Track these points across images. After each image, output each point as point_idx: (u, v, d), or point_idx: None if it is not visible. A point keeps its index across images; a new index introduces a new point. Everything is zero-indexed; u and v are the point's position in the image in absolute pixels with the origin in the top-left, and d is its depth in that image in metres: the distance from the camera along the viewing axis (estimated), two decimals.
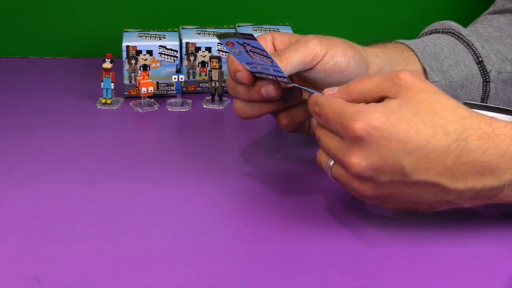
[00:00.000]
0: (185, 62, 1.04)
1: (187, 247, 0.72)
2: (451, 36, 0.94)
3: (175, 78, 1.00)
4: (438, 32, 0.95)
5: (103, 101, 1.01)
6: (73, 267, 0.68)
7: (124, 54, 1.01)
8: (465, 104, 0.81)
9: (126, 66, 1.02)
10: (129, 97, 1.03)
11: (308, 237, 0.73)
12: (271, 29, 1.06)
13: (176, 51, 1.02)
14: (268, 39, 0.84)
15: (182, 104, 1.02)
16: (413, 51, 0.90)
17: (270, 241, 0.73)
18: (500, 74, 0.91)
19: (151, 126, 0.98)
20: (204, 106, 1.02)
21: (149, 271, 0.68)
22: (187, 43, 1.03)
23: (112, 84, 1.00)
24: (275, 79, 0.79)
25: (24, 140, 0.91)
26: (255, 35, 0.72)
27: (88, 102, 1.02)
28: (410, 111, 0.67)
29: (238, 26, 1.08)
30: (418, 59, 0.90)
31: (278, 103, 0.82)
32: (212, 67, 1.00)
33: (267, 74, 0.78)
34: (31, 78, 1.09)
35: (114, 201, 0.79)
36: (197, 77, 1.05)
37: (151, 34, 1.04)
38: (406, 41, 0.92)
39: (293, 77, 0.82)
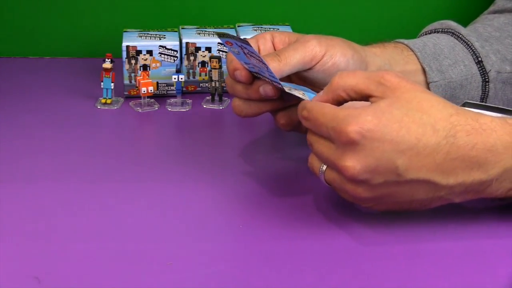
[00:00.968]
0: (185, 62, 1.04)
1: (187, 247, 0.72)
2: (451, 35, 0.94)
3: (175, 78, 1.00)
4: (438, 32, 0.96)
5: (103, 101, 1.01)
6: (73, 267, 0.68)
7: (124, 54, 1.01)
8: (465, 103, 0.81)
9: (126, 66, 1.02)
10: (129, 97, 1.03)
11: (308, 237, 0.73)
12: (271, 29, 1.06)
13: (176, 51, 1.02)
14: (268, 37, 0.84)
15: (182, 104, 1.02)
16: (412, 50, 0.91)
17: (270, 241, 0.73)
18: (500, 74, 0.91)
19: (151, 126, 0.98)
20: (204, 106, 1.02)
21: (149, 271, 0.68)
22: (187, 43, 1.03)
23: (112, 84, 1.00)
24: (271, 82, 0.79)
25: (24, 139, 0.91)
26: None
27: (88, 102, 1.02)
28: (400, 111, 0.68)
29: (238, 26, 1.08)
30: (418, 58, 0.90)
31: (276, 103, 0.82)
32: (212, 67, 1.00)
33: (264, 76, 0.78)
34: (31, 78, 1.09)
35: (114, 201, 0.79)
36: (197, 77, 1.05)
37: (151, 34, 1.04)
38: (405, 41, 0.92)
39: (292, 77, 0.82)
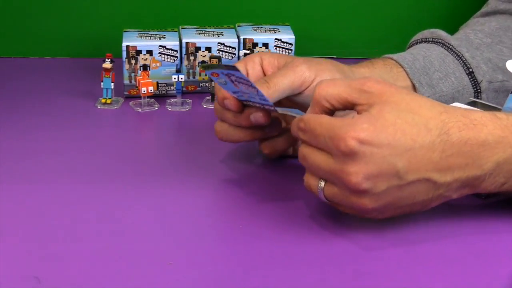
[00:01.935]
0: (185, 62, 1.04)
1: (187, 247, 0.72)
2: (441, 46, 0.93)
3: (175, 78, 1.00)
4: (428, 42, 0.95)
5: (103, 101, 1.01)
6: (73, 267, 0.68)
7: (124, 54, 1.01)
8: (471, 102, 0.82)
9: (126, 66, 1.02)
10: (129, 97, 1.03)
11: (308, 237, 0.73)
12: (271, 29, 1.06)
13: (176, 51, 1.02)
14: (256, 60, 0.83)
15: (182, 104, 1.02)
16: (402, 66, 0.90)
17: (270, 241, 0.73)
18: (491, 83, 0.91)
19: (151, 126, 0.98)
20: (204, 106, 1.02)
21: (149, 271, 0.68)
22: (187, 43, 1.03)
23: (112, 84, 1.00)
24: (261, 107, 0.78)
25: (24, 140, 0.91)
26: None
27: (88, 102, 1.02)
28: (391, 114, 0.68)
29: (238, 26, 1.08)
30: (407, 75, 0.90)
31: (258, 133, 0.82)
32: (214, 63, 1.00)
33: (254, 102, 0.78)
34: (31, 78, 1.09)
35: (114, 201, 0.79)
36: (197, 77, 1.05)
37: (151, 34, 1.04)
38: (394, 56, 0.92)
39: (282, 100, 0.81)
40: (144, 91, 0.99)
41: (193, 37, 1.04)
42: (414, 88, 0.90)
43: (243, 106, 0.80)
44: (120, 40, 1.02)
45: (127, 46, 1.01)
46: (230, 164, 0.87)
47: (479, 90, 0.91)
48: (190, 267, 0.69)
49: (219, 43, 1.03)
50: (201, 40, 1.03)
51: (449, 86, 0.90)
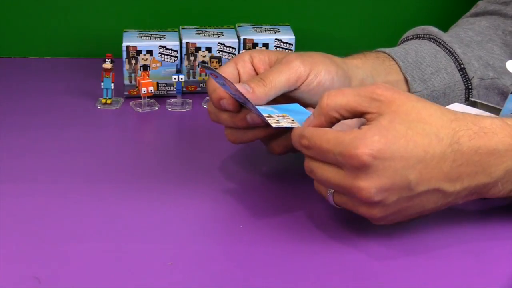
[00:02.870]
0: (185, 62, 1.04)
1: (187, 247, 0.72)
2: (433, 42, 0.93)
3: (175, 78, 1.00)
4: (419, 38, 0.95)
5: (103, 101, 1.01)
6: (73, 267, 0.68)
7: (124, 54, 1.01)
8: (470, 102, 0.82)
9: (126, 66, 1.02)
10: (129, 97, 1.03)
11: (308, 237, 0.73)
12: (271, 29, 1.06)
13: (176, 51, 1.02)
14: (247, 59, 0.82)
15: (182, 104, 1.02)
16: (394, 60, 0.90)
17: (270, 241, 0.73)
18: (483, 80, 0.91)
19: (151, 126, 0.98)
20: (204, 106, 1.02)
21: (149, 271, 0.68)
22: (187, 43, 1.03)
23: (112, 84, 1.00)
24: (256, 114, 0.76)
25: (24, 140, 0.91)
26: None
27: (88, 102, 1.02)
28: (402, 125, 0.67)
29: (238, 26, 1.08)
30: (400, 68, 0.89)
31: (264, 131, 0.80)
32: (212, 67, 1.00)
33: (250, 108, 0.76)
34: (31, 78, 1.09)
35: (114, 201, 0.79)
36: (197, 77, 1.05)
37: (151, 34, 1.04)
38: (387, 50, 0.91)
39: (277, 97, 0.80)
40: (144, 91, 0.99)
41: (193, 37, 1.04)
42: (406, 82, 0.89)
43: (240, 106, 0.79)
44: (120, 40, 1.02)
45: (127, 46, 1.01)
46: (230, 164, 0.87)
47: (470, 87, 0.91)
48: (191, 267, 0.69)
49: (219, 43, 1.03)
50: (201, 40, 1.03)
51: (441, 81, 0.90)
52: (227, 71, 0.80)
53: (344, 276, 0.68)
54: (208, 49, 1.03)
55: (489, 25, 0.97)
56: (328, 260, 0.70)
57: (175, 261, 0.69)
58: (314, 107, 0.73)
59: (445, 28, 0.98)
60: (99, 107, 1.00)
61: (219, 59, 1.00)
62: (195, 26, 1.07)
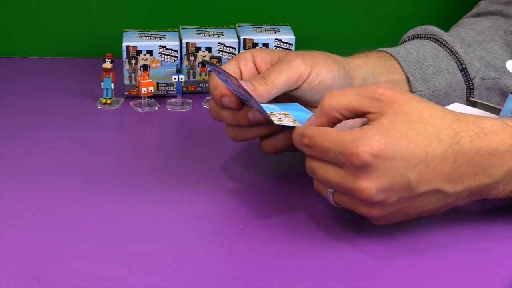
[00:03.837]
0: (185, 62, 1.04)
1: (187, 247, 0.72)
2: (434, 42, 0.93)
3: (175, 78, 1.00)
4: (421, 38, 0.95)
5: (103, 101, 1.01)
6: (73, 267, 0.68)
7: (124, 54, 1.01)
8: (471, 102, 0.82)
9: (126, 66, 1.02)
10: (129, 97, 1.03)
11: (308, 237, 0.73)
12: (271, 29, 1.06)
13: (176, 51, 1.02)
14: (248, 57, 0.82)
15: (182, 104, 1.02)
16: (396, 59, 0.90)
17: (270, 241, 0.73)
18: (484, 80, 0.91)
19: (151, 126, 0.98)
20: (204, 106, 1.02)
21: (149, 271, 0.68)
22: (187, 43, 1.03)
23: (112, 84, 1.00)
24: (259, 111, 0.76)
25: (24, 140, 0.91)
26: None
27: (88, 102, 1.02)
28: (403, 126, 0.67)
29: (238, 26, 1.08)
30: (401, 68, 0.89)
31: (264, 129, 0.80)
32: None
33: (252, 105, 0.76)
34: (31, 78, 1.09)
35: (114, 201, 0.79)
36: (197, 77, 1.05)
37: (151, 34, 1.04)
38: (388, 49, 0.91)
39: (279, 96, 0.80)
40: (144, 91, 0.99)
41: (193, 37, 1.04)
42: (408, 81, 0.89)
43: (242, 104, 0.79)
44: (120, 40, 1.02)
45: (127, 46, 1.01)
46: (230, 164, 0.87)
47: (471, 87, 0.91)
48: (191, 267, 0.69)
49: (219, 43, 1.03)
50: (201, 40, 1.03)
51: (442, 81, 0.90)
52: (229, 69, 0.80)
53: (344, 276, 0.68)
54: (208, 49, 1.03)
55: (490, 25, 0.97)
56: (328, 260, 0.70)
57: (175, 261, 0.69)
58: (315, 106, 0.73)
59: (446, 28, 0.98)
60: (99, 107, 1.00)
61: (219, 59, 1.00)
62: (195, 26, 1.07)
